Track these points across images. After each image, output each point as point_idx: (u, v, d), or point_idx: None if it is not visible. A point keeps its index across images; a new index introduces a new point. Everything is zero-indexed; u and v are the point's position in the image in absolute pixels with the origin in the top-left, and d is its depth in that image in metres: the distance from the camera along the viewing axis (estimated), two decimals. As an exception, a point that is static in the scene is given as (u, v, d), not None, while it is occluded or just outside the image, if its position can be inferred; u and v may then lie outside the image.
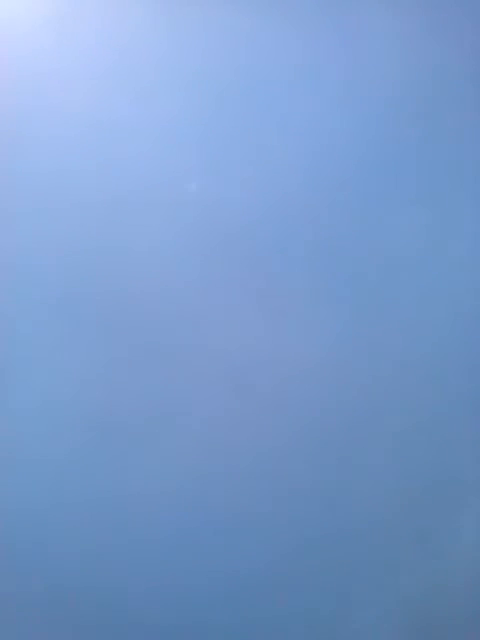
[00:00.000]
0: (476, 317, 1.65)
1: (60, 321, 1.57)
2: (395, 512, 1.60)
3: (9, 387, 1.56)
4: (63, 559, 1.55)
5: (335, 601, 1.58)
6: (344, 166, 1.65)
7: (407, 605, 1.59)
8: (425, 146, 1.66)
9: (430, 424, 1.62)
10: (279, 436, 1.59)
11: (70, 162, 1.60)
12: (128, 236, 1.60)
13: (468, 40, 1.67)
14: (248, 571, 1.57)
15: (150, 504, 1.56)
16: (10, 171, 1.59)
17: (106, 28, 1.62)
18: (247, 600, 1.57)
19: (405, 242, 1.65)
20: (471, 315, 1.65)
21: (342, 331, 1.62)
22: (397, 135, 1.66)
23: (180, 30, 1.63)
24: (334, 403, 1.61)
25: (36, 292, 1.57)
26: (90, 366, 1.57)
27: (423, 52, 1.67)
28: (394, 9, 1.66)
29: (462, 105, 1.67)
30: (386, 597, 1.59)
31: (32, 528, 1.55)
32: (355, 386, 1.62)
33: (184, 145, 1.63)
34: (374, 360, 1.62)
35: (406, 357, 1.63)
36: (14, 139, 1.59)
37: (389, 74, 1.66)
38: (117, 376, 1.57)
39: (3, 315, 1.57)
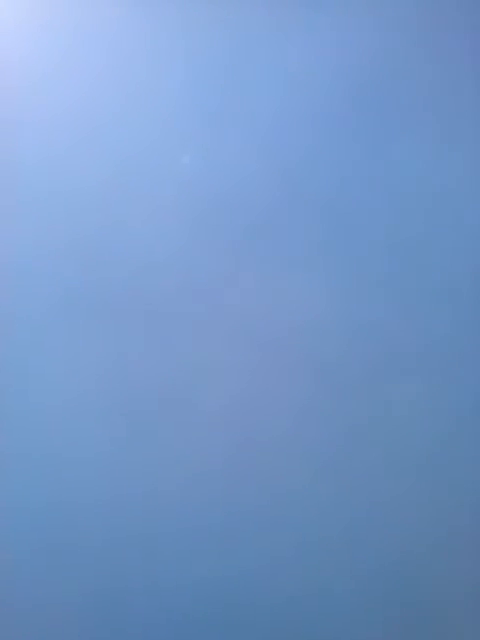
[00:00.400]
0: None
1: (68, 314, 1.57)
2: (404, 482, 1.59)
3: (28, 385, 1.57)
4: (82, 549, 1.56)
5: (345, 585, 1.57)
6: (340, 117, 1.63)
7: (408, 607, 1.57)
8: (423, 72, 1.64)
9: (438, 380, 1.60)
10: (288, 411, 1.58)
11: (64, 149, 1.60)
12: (126, 218, 1.60)
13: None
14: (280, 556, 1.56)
15: (173, 492, 1.56)
16: (2, 166, 1.59)
17: (94, 10, 1.62)
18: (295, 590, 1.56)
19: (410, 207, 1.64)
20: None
21: (347, 287, 1.61)
22: (392, 69, 1.64)
23: (169, 10, 1.62)
24: (343, 361, 1.59)
25: (41, 288, 1.57)
26: (103, 354, 1.57)
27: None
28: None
29: (459, 27, 1.65)
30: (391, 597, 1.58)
31: (57, 519, 1.57)
32: (364, 339, 1.60)
33: (178, 121, 1.62)
34: (382, 310, 1.61)
35: (415, 309, 1.61)
36: (6, 133, 1.60)
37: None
38: (129, 361, 1.58)
39: (13, 315, 1.57)
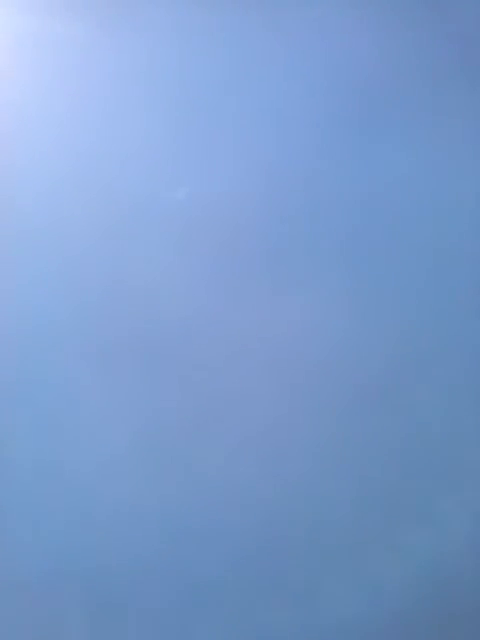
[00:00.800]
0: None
1: (84, 362, 1.53)
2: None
3: (62, 437, 1.54)
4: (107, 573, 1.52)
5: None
6: (337, 140, 1.61)
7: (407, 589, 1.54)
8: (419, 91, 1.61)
9: (443, 390, 1.55)
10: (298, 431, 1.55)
11: (58, 193, 1.56)
12: (131, 260, 1.57)
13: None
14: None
15: (207, 523, 1.53)
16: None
17: (83, 37, 1.56)
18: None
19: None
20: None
21: (359, 303, 1.57)
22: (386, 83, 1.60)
23: (157, 34, 1.58)
24: (364, 378, 1.55)
25: (57, 339, 1.53)
26: (128, 399, 1.54)
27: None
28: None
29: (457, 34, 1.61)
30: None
31: (92, 558, 1.51)
32: (384, 355, 1.55)
33: (172, 152, 1.60)
34: (398, 324, 1.56)
35: (417, 325, 1.56)
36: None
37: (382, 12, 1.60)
38: (154, 401, 1.55)
39: (40, 373, 1.53)
